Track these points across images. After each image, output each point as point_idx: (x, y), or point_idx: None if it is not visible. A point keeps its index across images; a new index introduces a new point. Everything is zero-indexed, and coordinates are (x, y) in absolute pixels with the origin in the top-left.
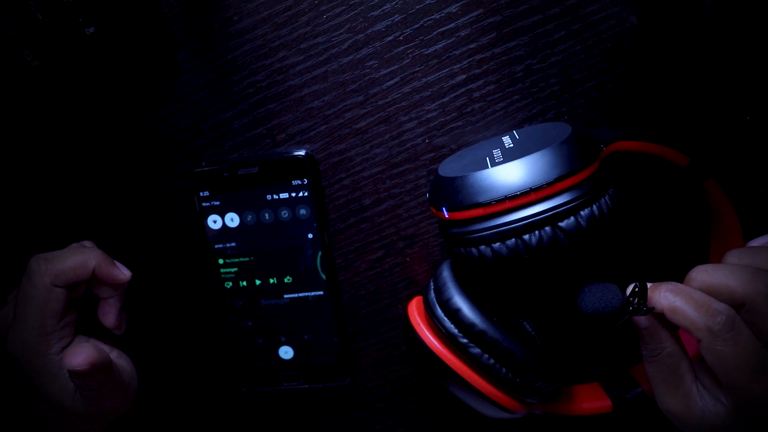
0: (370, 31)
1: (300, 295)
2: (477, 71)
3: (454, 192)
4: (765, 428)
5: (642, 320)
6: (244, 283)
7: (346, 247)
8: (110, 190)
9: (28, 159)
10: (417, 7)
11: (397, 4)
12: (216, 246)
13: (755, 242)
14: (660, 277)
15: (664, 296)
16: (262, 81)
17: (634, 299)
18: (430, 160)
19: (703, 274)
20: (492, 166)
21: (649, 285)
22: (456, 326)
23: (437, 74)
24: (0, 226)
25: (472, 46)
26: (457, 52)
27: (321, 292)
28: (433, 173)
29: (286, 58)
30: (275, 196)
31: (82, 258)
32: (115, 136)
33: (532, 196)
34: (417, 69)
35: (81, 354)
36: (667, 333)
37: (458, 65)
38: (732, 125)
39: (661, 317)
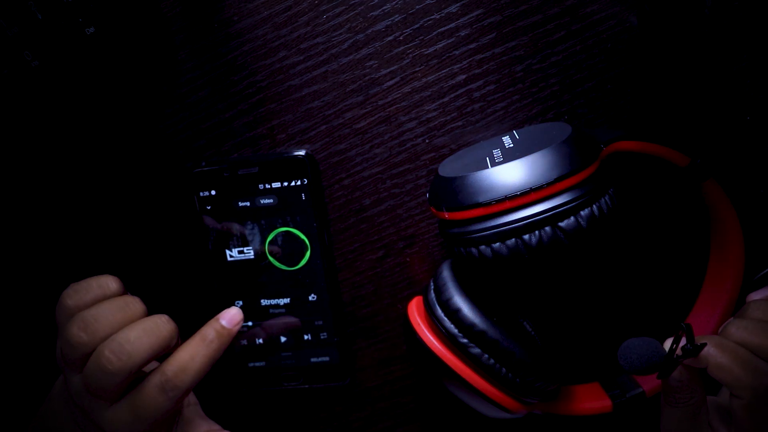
0: (370, 31)
1: (300, 295)
2: (477, 71)
3: (454, 192)
4: None
5: (682, 375)
6: (244, 283)
7: (346, 247)
8: (110, 190)
9: (27, 159)
10: (417, 7)
11: (397, 4)
12: (216, 246)
13: (756, 295)
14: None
15: (710, 352)
16: (262, 81)
17: (676, 346)
18: (430, 160)
19: (743, 332)
20: (492, 166)
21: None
22: (456, 326)
23: (437, 74)
24: None
25: (472, 46)
26: (457, 52)
27: (321, 293)
28: (433, 173)
29: (286, 58)
30: (275, 196)
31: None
32: (115, 136)
33: (532, 196)
34: (417, 69)
35: None
36: (700, 384)
37: (458, 65)
38: (732, 125)
39: (693, 369)
